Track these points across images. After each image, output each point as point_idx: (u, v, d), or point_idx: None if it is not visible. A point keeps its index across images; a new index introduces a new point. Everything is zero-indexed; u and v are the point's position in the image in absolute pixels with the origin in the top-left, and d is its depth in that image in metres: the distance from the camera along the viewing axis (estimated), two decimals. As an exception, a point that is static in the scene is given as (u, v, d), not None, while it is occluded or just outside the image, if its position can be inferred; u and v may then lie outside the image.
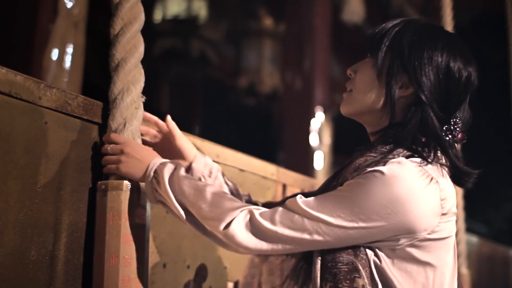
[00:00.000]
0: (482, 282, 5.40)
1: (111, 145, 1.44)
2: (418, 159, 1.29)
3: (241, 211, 1.31)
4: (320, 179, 4.15)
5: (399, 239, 1.25)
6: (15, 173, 1.28)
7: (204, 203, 1.33)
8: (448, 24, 3.44)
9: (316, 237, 1.25)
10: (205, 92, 7.74)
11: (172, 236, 1.73)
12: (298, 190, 2.26)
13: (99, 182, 1.43)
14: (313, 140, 4.87)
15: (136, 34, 1.48)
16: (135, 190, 1.43)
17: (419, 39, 1.34)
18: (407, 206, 1.22)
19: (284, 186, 2.31)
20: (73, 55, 3.67)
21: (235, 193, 1.60)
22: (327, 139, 4.97)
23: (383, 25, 1.39)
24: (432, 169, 1.29)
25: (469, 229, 4.68)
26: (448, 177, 1.33)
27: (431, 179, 1.26)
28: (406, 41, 1.34)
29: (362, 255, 1.26)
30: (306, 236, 1.26)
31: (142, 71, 1.48)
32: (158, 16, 7.28)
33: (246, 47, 7.57)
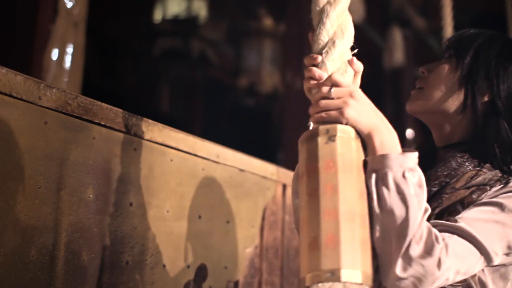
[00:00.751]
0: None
1: (334, 88, 1.18)
2: None
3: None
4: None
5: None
6: (15, 173, 1.28)
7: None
8: (448, 24, 3.44)
9: (478, 266, 1.22)
10: (205, 92, 7.73)
11: (172, 236, 1.73)
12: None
13: (320, 127, 1.16)
14: (313, 140, 4.86)
15: None
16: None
17: (506, 52, 1.40)
18: None
19: (284, 186, 2.31)
20: (73, 55, 3.67)
21: None
22: (327, 139, 4.95)
23: (469, 31, 1.44)
24: None
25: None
26: None
27: None
28: (494, 52, 1.39)
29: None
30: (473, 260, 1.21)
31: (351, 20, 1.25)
32: (158, 16, 7.28)
33: (246, 47, 7.57)
